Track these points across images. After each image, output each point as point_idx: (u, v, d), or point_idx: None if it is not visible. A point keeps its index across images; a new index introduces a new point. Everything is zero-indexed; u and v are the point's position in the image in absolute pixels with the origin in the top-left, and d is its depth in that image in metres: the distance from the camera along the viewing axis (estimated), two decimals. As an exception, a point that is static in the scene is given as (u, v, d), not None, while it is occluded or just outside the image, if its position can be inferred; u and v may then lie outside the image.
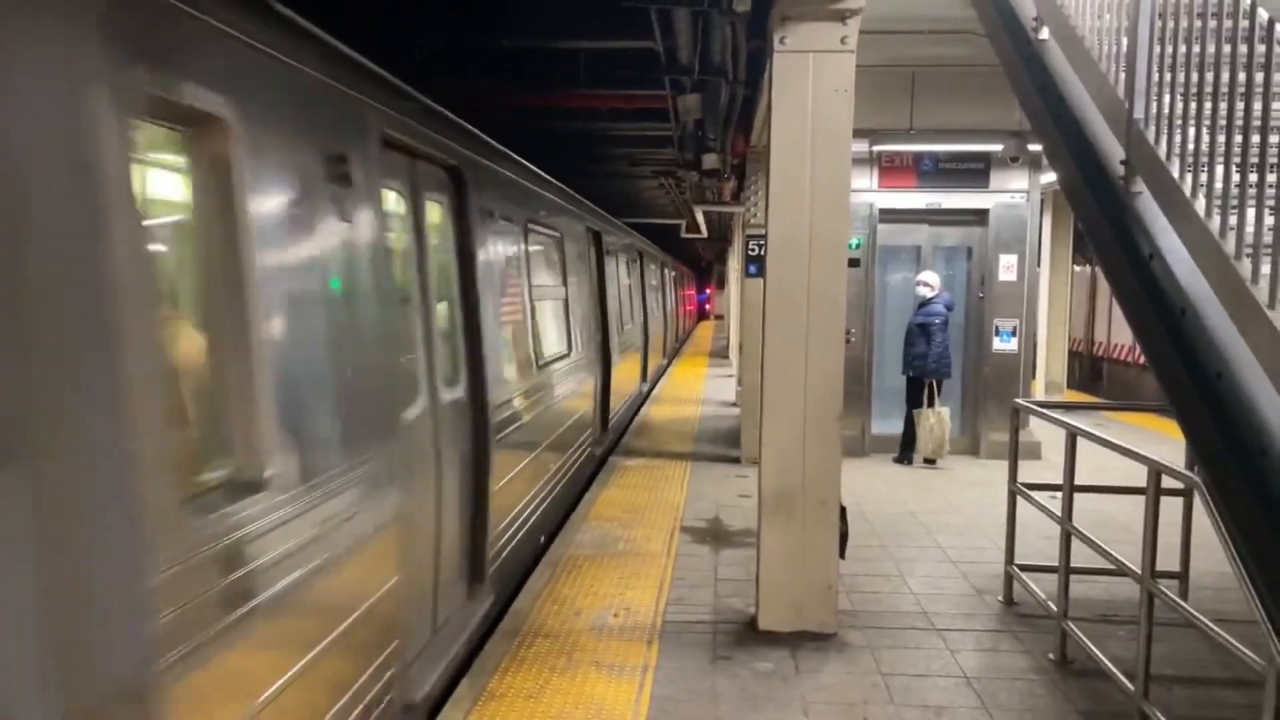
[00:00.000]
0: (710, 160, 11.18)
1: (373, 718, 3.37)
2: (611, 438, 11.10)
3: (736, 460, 10.15)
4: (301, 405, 2.95)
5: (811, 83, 5.07)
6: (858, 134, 5.28)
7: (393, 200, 4.15)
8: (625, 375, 12.66)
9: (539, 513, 6.60)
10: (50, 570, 1.81)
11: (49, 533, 1.82)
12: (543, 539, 6.81)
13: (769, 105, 5.34)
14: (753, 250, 10.18)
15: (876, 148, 10.06)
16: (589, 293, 10.10)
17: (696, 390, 17.60)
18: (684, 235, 24.60)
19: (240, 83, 2.60)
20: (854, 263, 9.48)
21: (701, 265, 49.87)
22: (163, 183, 2.53)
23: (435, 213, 4.81)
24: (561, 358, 7.97)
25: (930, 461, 9.97)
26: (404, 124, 4.09)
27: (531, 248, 7.05)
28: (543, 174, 7.80)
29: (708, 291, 53.12)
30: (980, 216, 10.48)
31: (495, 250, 5.72)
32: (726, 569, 6.36)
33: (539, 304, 7.12)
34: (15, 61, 1.80)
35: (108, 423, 2.00)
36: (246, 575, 2.48)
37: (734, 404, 14.30)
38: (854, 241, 9.84)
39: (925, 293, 9.89)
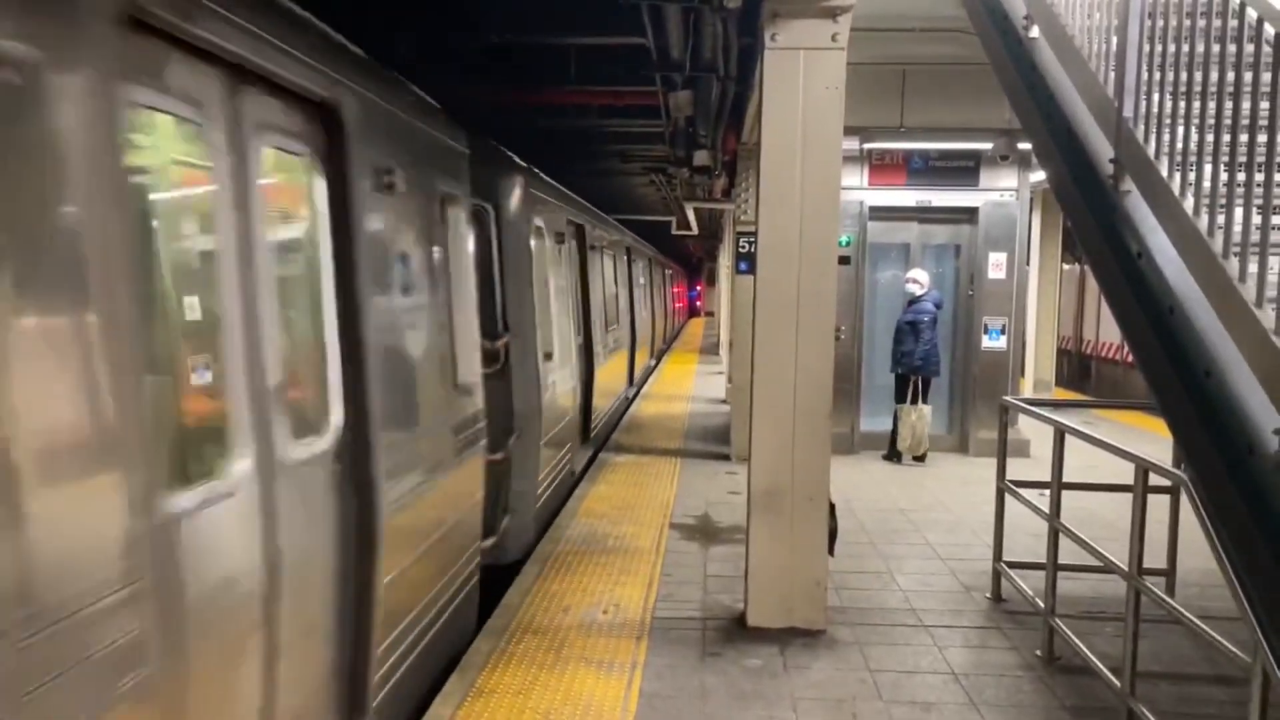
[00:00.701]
0: (701, 157, 11.19)
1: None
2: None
3: (726, 457, 10.16)
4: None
5: (802, 80, 5.07)
6: (848, 131, 5.29)
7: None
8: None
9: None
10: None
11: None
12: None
13: (760, 102, 5.34)
14: (743, 247, 10.19)
15: (867, 145, 10.07)
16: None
17: (687, 387, 17.60)
18: (675, 232, 24.59)
19: None
20: (844, 260, 9.51)
21: (692, 262, 49.90)
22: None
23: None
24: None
25: (919, 459, 10.03)
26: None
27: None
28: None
29: (698, 288, 53.16)
30: (970, 214, 10.51)
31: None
32: (716, 566, 6.37)
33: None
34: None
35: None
36: None
37: (724, 401, 14.32)
38: (844, 239, 9.87)
39: (914, 290, 9.95)
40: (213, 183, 2.75)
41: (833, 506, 5.35)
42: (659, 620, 5.35)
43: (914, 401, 9.87)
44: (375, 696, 3.65)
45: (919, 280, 9.98)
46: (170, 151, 2.68)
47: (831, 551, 5.35)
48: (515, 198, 6.66)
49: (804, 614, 5.25)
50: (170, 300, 2.63)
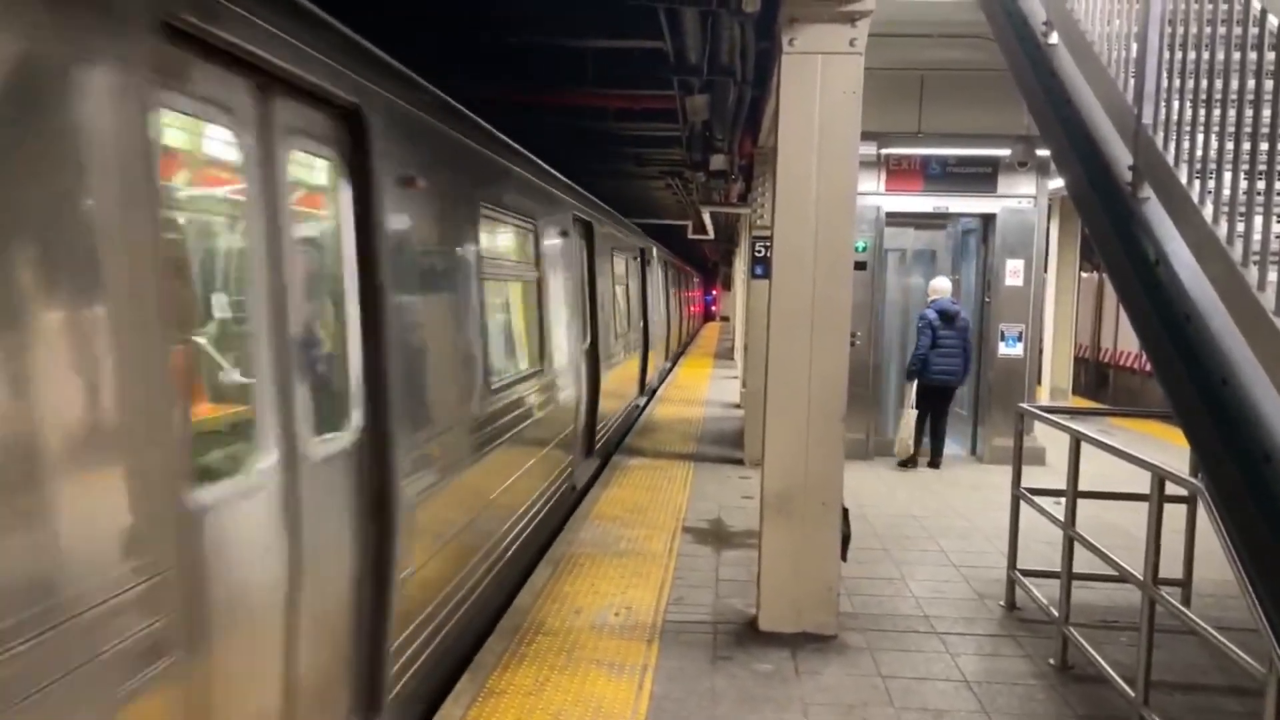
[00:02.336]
0: (717, 161, 11.19)
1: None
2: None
3: (740, 462, 10.15)
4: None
5: (820, 84, 5.07)
6: (865, 136, 5.28)
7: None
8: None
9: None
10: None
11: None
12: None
13: (777, 106, 5.35)
14: (759, 251, 10.17)
15: (884, 151, 10.05)
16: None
17: (701, 391, 17.60)
18: (691, 236, 24.58)
19: None
20: (860, 265, 9.49)
21: (708, 266, 49.88)
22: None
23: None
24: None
25: (907, 463, 10.07)
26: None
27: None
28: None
29: (714, 293, 53.12)
30: (945, 220, 10.74)
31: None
32: (728, 569, 6.36)
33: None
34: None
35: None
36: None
37: (738, 405, 14.30)
38: (860, 244, 9.85)
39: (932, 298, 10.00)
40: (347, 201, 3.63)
41: (846, 511, 5.34)
42: (670, 623, 5.35)
43: (904, 404, 10.27)
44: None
45: (935, 288, 10.02)
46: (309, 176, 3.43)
47: (844, 556, 5.34)
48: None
49: (816, 619, 5.24)
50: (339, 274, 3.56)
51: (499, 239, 6.12)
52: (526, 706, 4.27)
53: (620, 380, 11.35)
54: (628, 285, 12.99)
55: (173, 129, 2.55)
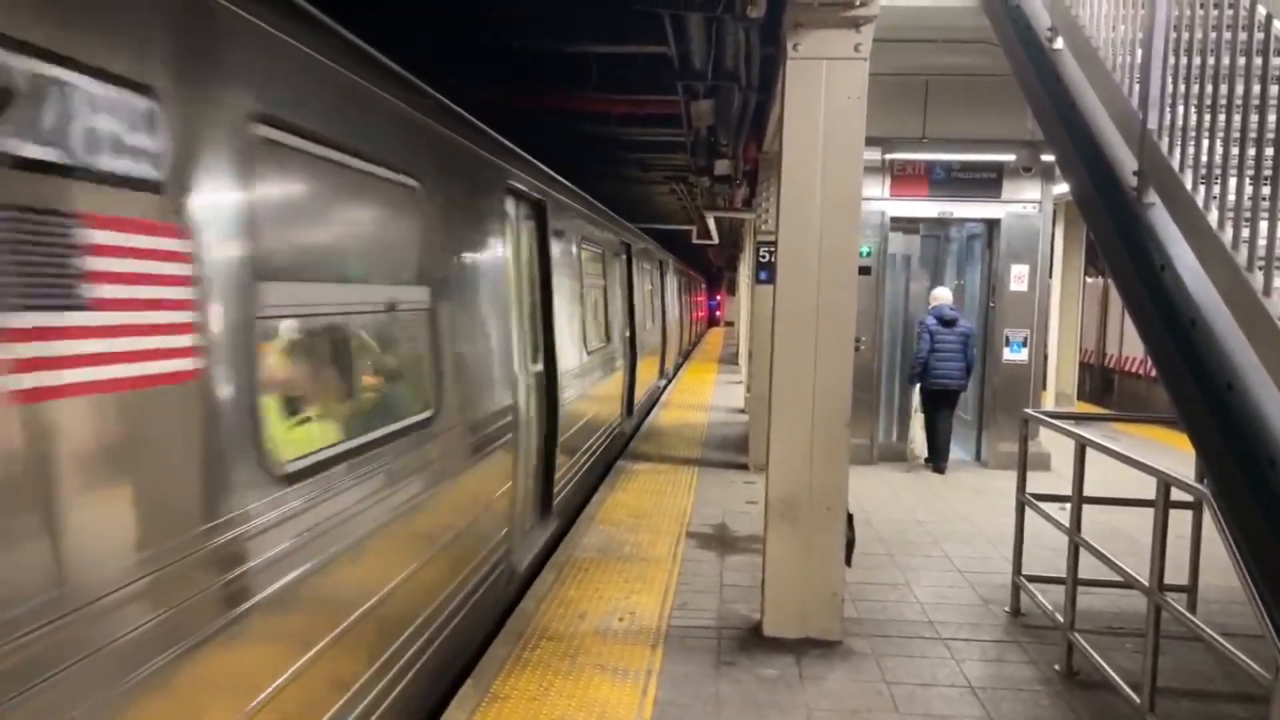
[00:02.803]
0: (722, 166, 11.19)
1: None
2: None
3: (744, 467, 10.15)
4: None
5: (824, 90, 5.07)
6: (870, 142, 5.28)
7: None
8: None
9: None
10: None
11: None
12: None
13: (781, 112, 5.35)
14: (763, 257, 10.20)
15: (889, 156, 10.05)
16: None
17: (705, 396, 17.59)
18: (695, 241, 24.59)
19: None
20: (865, 271, 9.50)
21: (712, 271, 49.88)
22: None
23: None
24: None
25: (938, 469, 10.21)
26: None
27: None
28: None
29: (718, 298, 53.13)
30: (913, 224, 10.80)
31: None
32: (732, 575, 6.36)
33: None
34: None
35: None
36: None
37: (742, 410, 14.29)
38: (864, 249, 9.86)
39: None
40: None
41: (850, 517, 5.33)
42: (675, 628, 5.35)
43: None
44: None
45: (936, 297, 10.24)
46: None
47: (849, 562, 5.34)
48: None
49: (820, 624, 5.23)
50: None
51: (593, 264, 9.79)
52: (530, 711, 4.27)
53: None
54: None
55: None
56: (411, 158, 4.23)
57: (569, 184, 8.54)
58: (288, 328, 3.21)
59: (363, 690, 3.54)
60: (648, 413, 14.85)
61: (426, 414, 4.27)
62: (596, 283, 10.20)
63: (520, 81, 9.07)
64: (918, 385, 10.20)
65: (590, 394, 9.09)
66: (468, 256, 5.09)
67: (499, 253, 5.70)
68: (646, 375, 14.77)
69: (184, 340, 2.47)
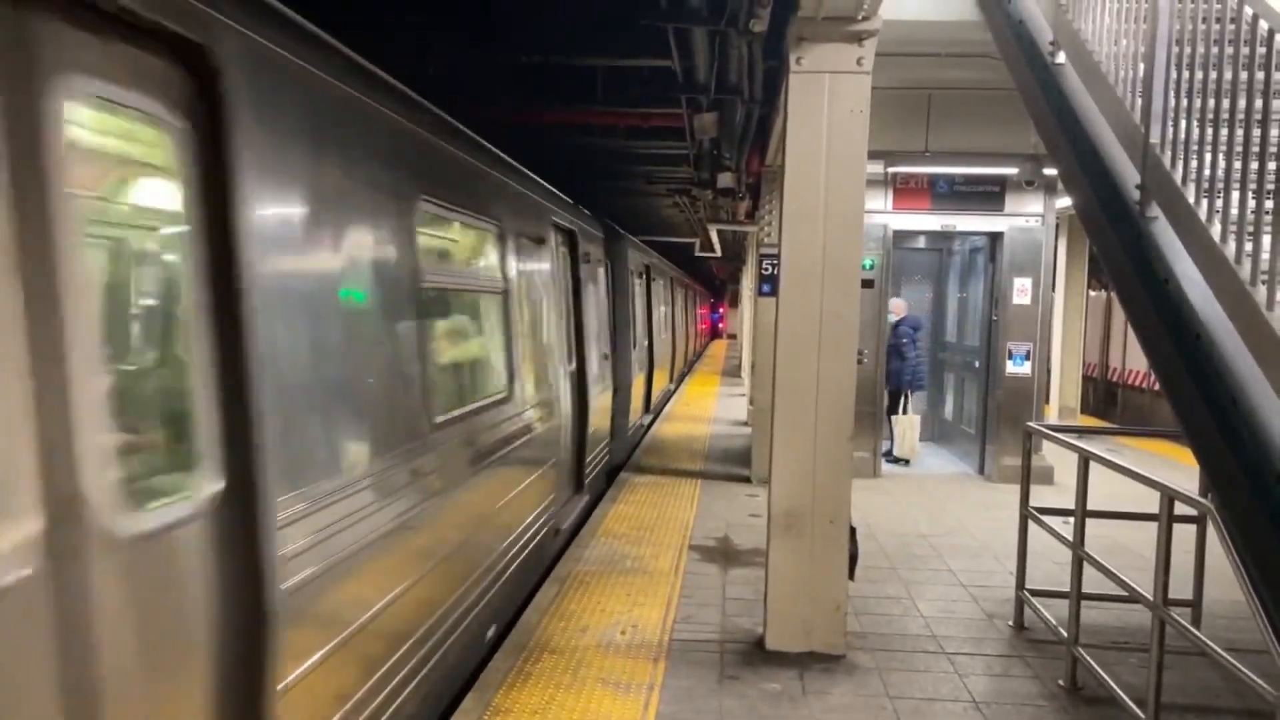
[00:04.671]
0: (725, 179, 11.21)
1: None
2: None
3: (747, 479, 10.13)
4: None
5: (827, 103, 5.09)
6: (873, 155, 5.29)
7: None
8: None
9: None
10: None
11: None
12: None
13: (784, 125, 5.37)
14: (766, 269, 10.21)
15: (891, 169, 10.07)
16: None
17: (708, 409, 17.58)
18: (698, 253, 24.63)
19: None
20: (867, 284, 9.53)
21: (715, 284, 49.93)
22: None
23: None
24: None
25: (905, 461, 11.09)
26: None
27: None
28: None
29: (721, 310, 53.16)
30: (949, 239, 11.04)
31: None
32: (735, 588, 6.34)
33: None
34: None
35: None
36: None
37: (745, 423, 14.28)
38: (867, 262, 9.88)
39: (891, 318, 10.80)
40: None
41: (853, 530, 5.32)
42: (677, 642, 5.33)
43: (903, 411, 11.01)
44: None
45: (892, 309, 10.88)
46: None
47: (852, 575, 5.32)
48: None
49: (824, 638, 5.22)
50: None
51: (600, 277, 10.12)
52: (532, 725, 4.25)
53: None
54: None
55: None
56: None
57: (588, 212, 10.00)
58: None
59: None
60: (661, 410, 16.41)
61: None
62: (614, 296, 11.19)
63: (527, 96, 9.09)
64: (896, 387, 10.98)
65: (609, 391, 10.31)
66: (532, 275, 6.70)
67: (548, 271, 7.21)
68: (659, 380, 16.43)
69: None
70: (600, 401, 9.31)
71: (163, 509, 2.36)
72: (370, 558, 3.41)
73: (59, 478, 1.99)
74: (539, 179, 7.13)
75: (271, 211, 2.84)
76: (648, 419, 14.38)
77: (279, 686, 2.69)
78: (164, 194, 2.53)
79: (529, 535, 6.09)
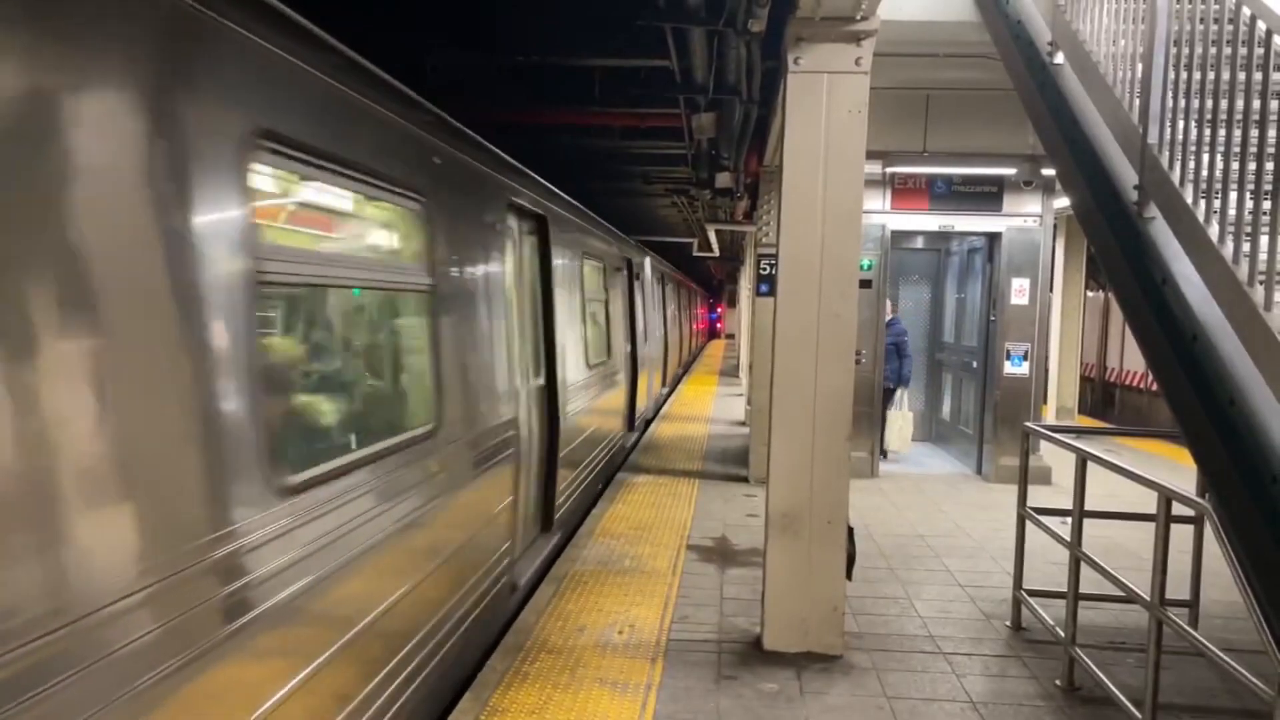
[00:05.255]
0: (723, 179, 11.22)
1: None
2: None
3: (745, 479, 10.14)
4: None
5: (825, 103, 5.09)
6: (871, 155, 5.29)
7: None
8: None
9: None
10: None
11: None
12: None
13: (783, 125, 5.37)
14: (764, 269, 10.21)
15: (890, 169, 10.08)
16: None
17: (706, 409, 17.58)
18: (696, 254, 24.63)
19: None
20: (865, 284, 9.53)
21: (713, 284, 49.94)
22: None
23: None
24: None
25: (886, 454, 11.26)
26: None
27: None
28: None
29: (719, 310, 53.17)
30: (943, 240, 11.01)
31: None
32: (732, 588, 6.34)
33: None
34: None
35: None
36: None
37: (743, 423, 14.29)
38: (865, 263, 9.89)
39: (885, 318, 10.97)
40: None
41: (851, 530, 5.32)
42: (674, 642, 5.33)
43: (897, 408, 11.17)
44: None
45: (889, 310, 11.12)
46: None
47: (849, 576, 5.32)
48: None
49: (821, 638, 5.22)
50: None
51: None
52: (529, 725, 4.25)
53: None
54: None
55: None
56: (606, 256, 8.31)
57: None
58: None
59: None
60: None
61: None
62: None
63: (524, 97, 9.09)
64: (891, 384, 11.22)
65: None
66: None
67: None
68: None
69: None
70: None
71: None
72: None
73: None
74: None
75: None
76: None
77: None
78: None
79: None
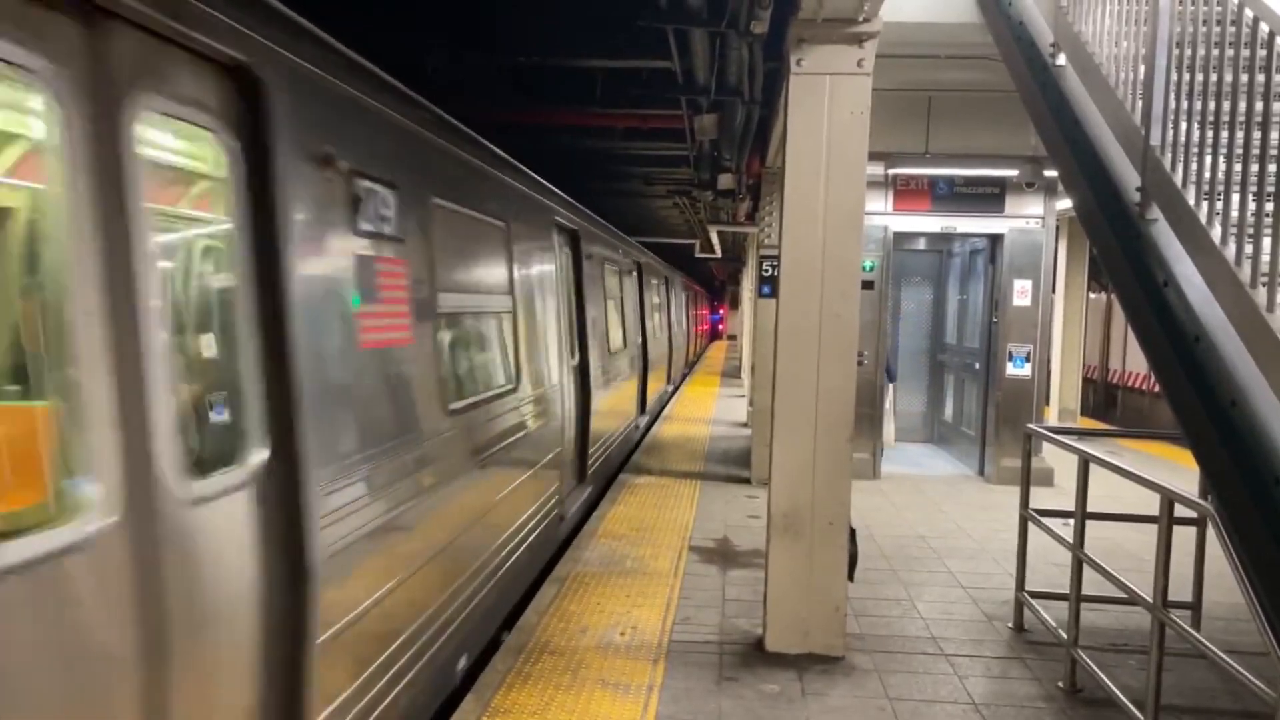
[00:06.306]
0: (725, 180, 11.23)
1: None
2: None
3: (747, 481, 10.13)
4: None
5: (827, 105, 5.09)
6: (873, 157, 5.29)
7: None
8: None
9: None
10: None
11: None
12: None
13: (785, 126, 5.37)
14: (766, 271, 10.21)
15: (892, 171, 10.08)
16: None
17: (708, 410, 17.58)
18: (698, 255, 24.64)
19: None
20: (867, 285, 9.53)
21: (715, 285, 49.93)
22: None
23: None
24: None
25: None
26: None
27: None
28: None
29: (721, 312, 53.18)
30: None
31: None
32: (734, 589, 6.34)
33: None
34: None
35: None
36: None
37: (745, 424, 14.28)
38: (868, 264, 9.88)
39: None
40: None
41: (853, 532, 5.32)
42: (676, 643, 5.33)
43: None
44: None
45: None
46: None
47: (851, 577, 5.32)
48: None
49: (823, 640, 5.21)
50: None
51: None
52: (531, 726, 4.25)
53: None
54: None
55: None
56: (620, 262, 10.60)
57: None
58: None
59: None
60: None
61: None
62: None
63: (527, 98, 9.10)
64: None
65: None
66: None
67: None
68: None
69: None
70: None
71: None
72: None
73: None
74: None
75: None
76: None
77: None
78: None
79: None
